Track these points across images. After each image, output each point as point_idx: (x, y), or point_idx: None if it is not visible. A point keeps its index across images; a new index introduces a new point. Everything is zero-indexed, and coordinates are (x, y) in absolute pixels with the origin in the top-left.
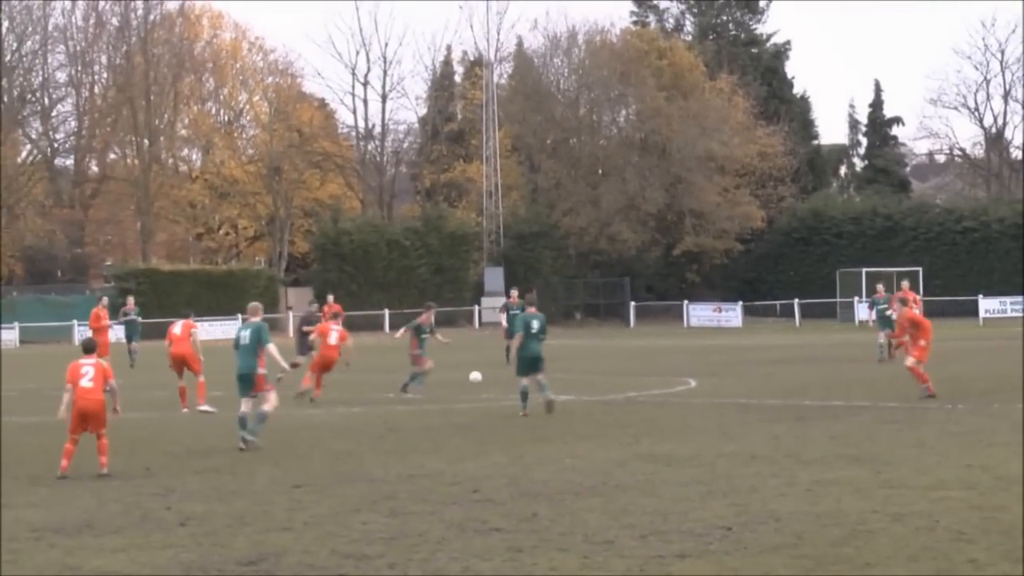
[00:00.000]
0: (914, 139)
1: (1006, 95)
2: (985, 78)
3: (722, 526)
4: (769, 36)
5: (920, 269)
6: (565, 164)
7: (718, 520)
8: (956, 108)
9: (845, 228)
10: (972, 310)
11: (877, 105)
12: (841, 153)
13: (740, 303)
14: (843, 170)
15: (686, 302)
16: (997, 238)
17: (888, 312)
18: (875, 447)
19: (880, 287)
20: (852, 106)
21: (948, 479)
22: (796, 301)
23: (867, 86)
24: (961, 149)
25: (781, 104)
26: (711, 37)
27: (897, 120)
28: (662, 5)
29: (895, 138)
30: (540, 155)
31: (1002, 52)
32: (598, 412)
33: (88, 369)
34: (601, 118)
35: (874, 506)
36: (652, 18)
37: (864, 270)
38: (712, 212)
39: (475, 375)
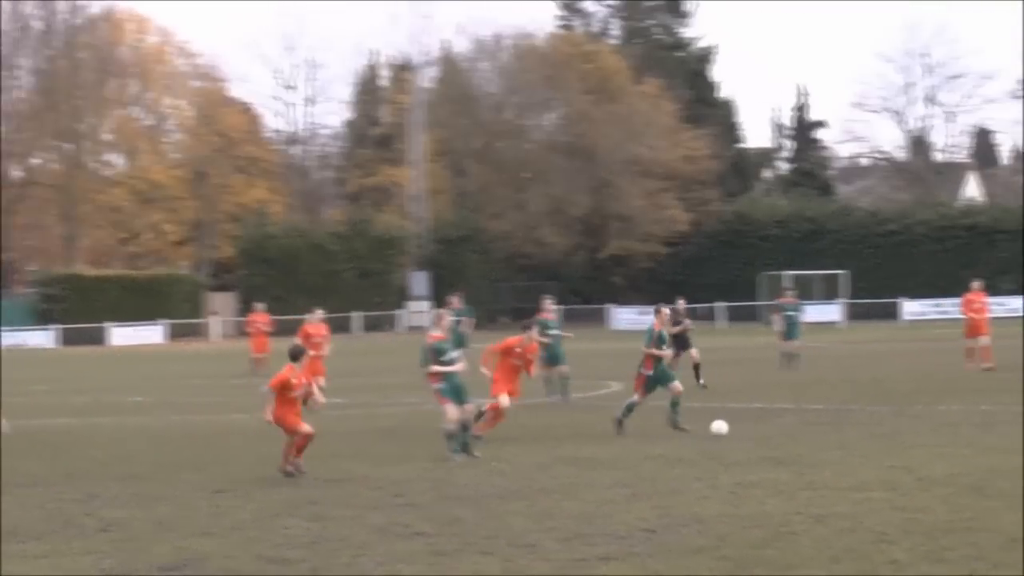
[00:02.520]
0: (838, 142)
1: (929, 99)
2: (909, 82)
3: (645, 528)
4: (695, 40)
5: (843, 272)
6: (491, 168)
7: (641, 523)
8: (880, 112)
9: (770, 231)
10: (895, 312)
11: (801, 109)
12: (766, 156)
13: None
14: (768, 173)
15: (611, 306)
16: (920, 241)
17: (794, 317)
18: (798, 449)
19: (789, 293)
20: (777, 110)
21: (870, 480)
22: (720, 304)
23: (791, 90)
24: (884, 152)
25: (707, 108)
26: (637, 41)
27: (821, 124)
28: (588, 9)
29: (819, 141)
30: (466, 159)
31: (926, 56)
32: (522, 416)
33: None
34: (527, 122)
35: (797, 508)
36: (578, 22)
37: (789, 273)
38: (638, 216)
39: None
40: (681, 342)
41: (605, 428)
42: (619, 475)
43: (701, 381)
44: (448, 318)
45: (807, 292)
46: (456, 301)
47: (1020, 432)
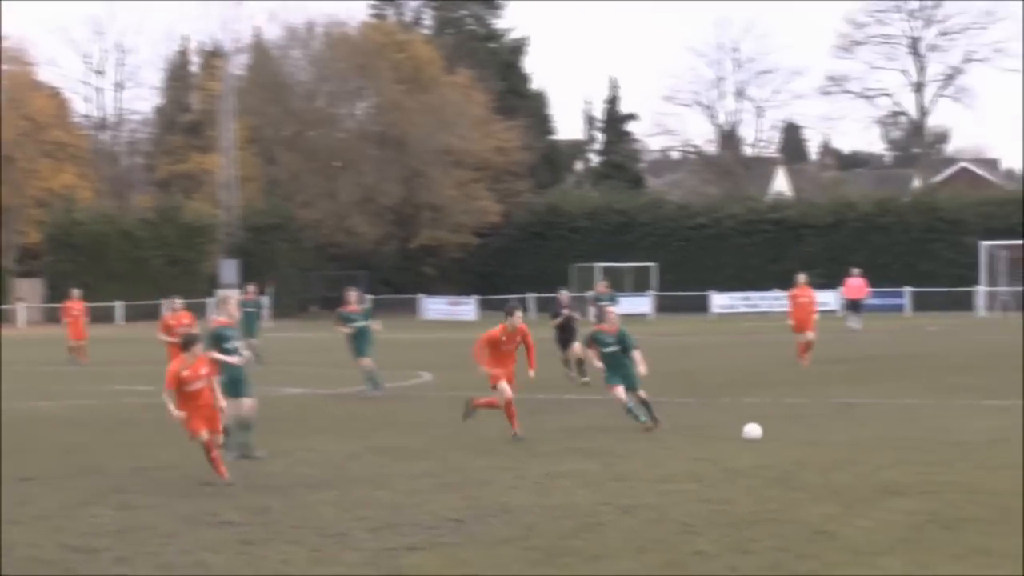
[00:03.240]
0: (649, 135)
1: (739, 94)
2: (720, 76)
3: (454, 518)
4: (507, 31)
5: (652, 264)
6: (302, 156)
7: (450, 513)
8: (690, 106)
9: (580, 223)
10: (703, 305)
11: (613, 101)
12: (577, 148)
13: (475, 297)
14: (579, 165)
15: (422, 296)
16: (729, 234)
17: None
18: (607, 441)
19: (603, 283)
20: (588, 102)
21: (677, 472)
22: (531, 295)
23: (604, 83)
24: (695, 146)
25: (519, 99)
26: (449, 31)
27: (632, 116)
28: None
29: (630, 134)
30: (277, 147)
31: (736, 51)
32: (331, 405)
33: None
34: (339, 111)
35: (604, 498)
36: (391, 11)
37: (600, 265)
38: (449, 206)
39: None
40: (567, 334)
41: (416, 418)
42: (428, 465)
43: (585, 378)
44: (235, 304)
45: (618, 284)
46: (252, 291)
47: (826, 425)
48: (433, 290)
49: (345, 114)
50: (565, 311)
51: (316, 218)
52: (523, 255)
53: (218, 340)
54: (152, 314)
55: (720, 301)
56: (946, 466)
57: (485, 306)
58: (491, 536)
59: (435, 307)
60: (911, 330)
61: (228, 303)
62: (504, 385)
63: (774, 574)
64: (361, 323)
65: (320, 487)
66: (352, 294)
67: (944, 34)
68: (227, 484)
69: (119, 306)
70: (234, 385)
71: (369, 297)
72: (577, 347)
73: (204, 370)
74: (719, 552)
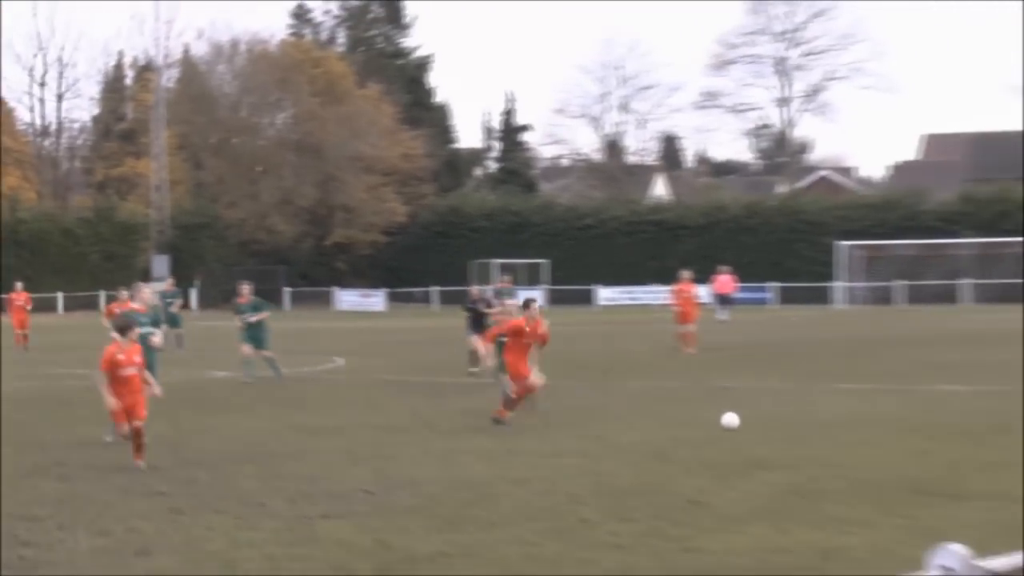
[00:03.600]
0: (541, 144)
1: (622, 107)
2: (605, 91)
3: (364, 489)
4: (413, 49)
5: (544, 261)
6: (227, 162)
7: (361, 484)
8: (579, 118)
9: (479, 223)
10: (590, 298)
11: (509, 114)
12: (476, 156)
13: (384, 290)
14: (478, 171)
15: (335, 288)
16: (613, 234)
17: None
18: (517, 420)
19: (506, 278)
20: (487, 114)
21: (566, 448)
22: (434, 288)
23: (501, 97)
24: (582, 154)
25: (423, 111)
26: (361, 49)
27: (526, 127)
28: (317, 19)
29: (524, 143)
30: (204, 153)
31: (620, 68)
32: (254, 387)
33: None
34: (260, 120)
35: (500, 472)
36: (308, 30)
37: (496, 261)
38: (360, 207)
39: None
40: (477, 325)
41: (330, 398)
42: (341, 441)
43: (475, 369)
44: (148, 291)
45: (515, 279)
46: (169, 284)
47: (700, 406)
48: (346, 283)
49: (266, 123)
50: (480, 303)
51: (239, 217)
52: (427, 252)
53: None
54: (90, 304)
55: (605, 294)
56: (806, 443)
57: (393, 298)
58: (398, 505)
59: (347, 299)
60: (775, 321)
61: (141, 291)
62: (537, 374)
63: (652, 539)
64: (249, 314)
65: (242, 461)
66: (245, 287)
67: (807, 55)
68: (140, 470)
69: (60, 297)
70: None
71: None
72: (475, 340)
73: (138, 357)
74: (602, 520)
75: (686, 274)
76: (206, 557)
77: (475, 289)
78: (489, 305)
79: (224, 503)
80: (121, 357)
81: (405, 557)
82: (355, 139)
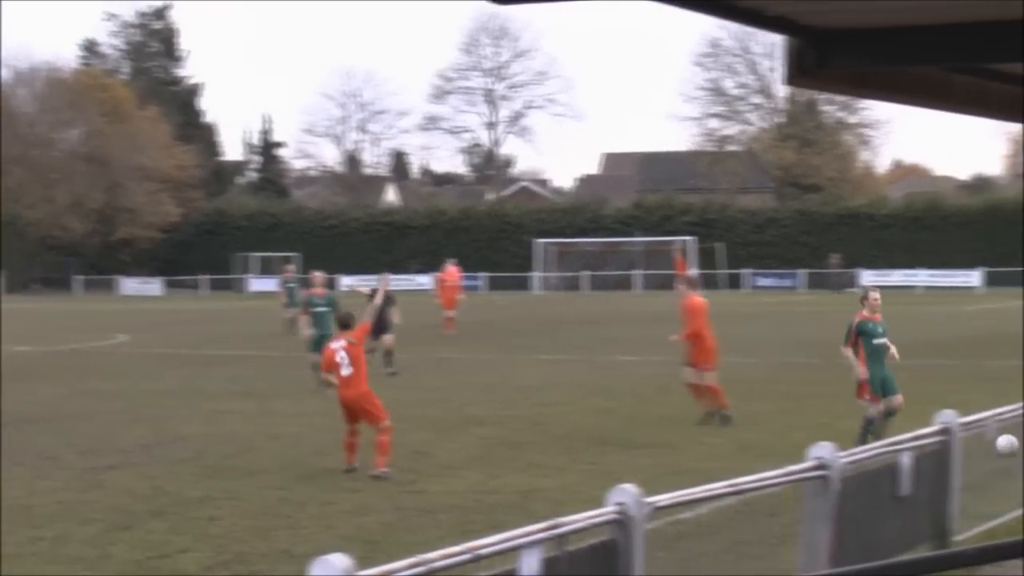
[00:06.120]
0: (293, 158)
1: (361, 127)
2: (345, 115)
3: (143, 444)
4: (186, 78)
5: (296, 254)
6: (27, 170)
7: (140, 440)
8: (324, 136)
9: (241, 223)
10: (333, 285)
11: (266, 132)
12: (239, 167)
13: (161, 278)
14: (240, 179)
15: (120, 276)
16: (353, 233)
17: (294, 288)
18: (261, 385)
19: (291, 267)
20: (248, 132)
21: (314, 409)
22: (204, 276)
23: (259, 117)
24: (328, 167)
25: (194, 129)
26: (142, 77)
27: (281, 144)
28: (104, 51)
29: (279, 157)
30: (8, 163)
31: (358, 96)
32: (50, 359)
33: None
34: (56, 135)
35: (258, 429)
36: (97, 61)
37: (255, 254)
38: (141, 209)
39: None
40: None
41: (114, 369)
42: (124, 404)
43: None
44: None
45: (271, 269)
46: None
47: (424, 373)
48: (129, 272)
49: (61, 138)
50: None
51: (38, 217)
52: (197, 246)
53: None
54: None
55: (346, 282)
56: (512, 403)
57: (168, 285)
58: (171, 457)
59: (130, 285)
60: (486, 304)
61: None
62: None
63: (384, 483)
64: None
65: (39, 421)
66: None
67: (511, 87)
68: None
69: None
70: None
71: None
72: (388, 338)
73: None
74: (341, 464)
75: (450, 265)
76: (4, 504)
77: (385, 281)
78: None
79: (23, 456)
80: None
81: (177, 501)
82: (136, 152)
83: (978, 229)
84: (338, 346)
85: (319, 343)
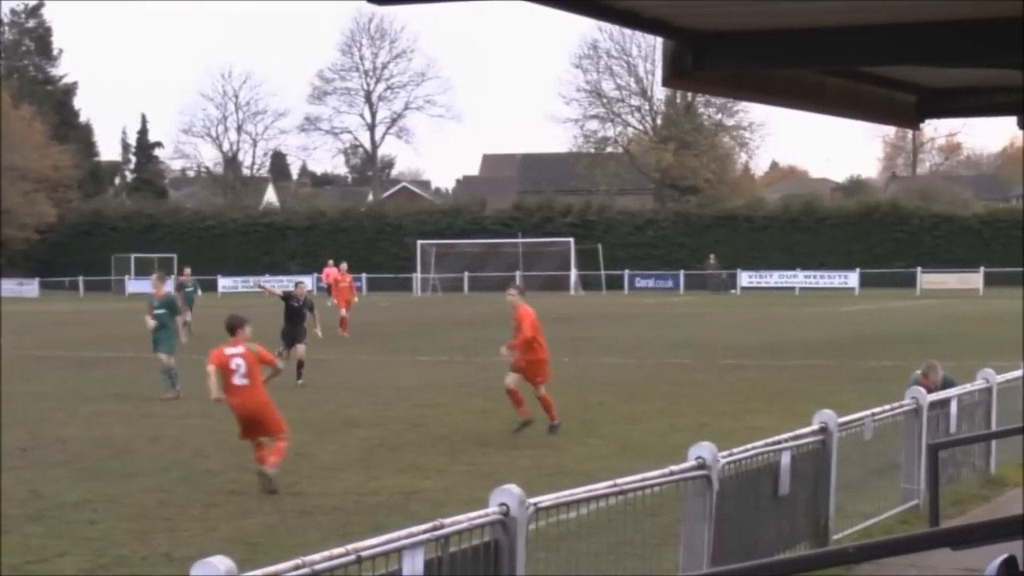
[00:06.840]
0: (171, 159)
1: (239, 128)
2: (224, 115)
3: (20, 448)
4: (61, 77)
5: (173, 255)
6: None
7: (17, 444)
8: (203, 137)
9: (118, 224)
10: (214, 286)
11: (144, 132)
12: (116, 167)
13: (37, 279)
14: (117, 180)
15: None
16: (232, 234)
17: (192, 291)
18: (138, 387)
19: (188, 270)
20: (125, 132)
21: (193, 411)
22: (80, 278)
23: (137, 118)
24: (206, 167)
25: (70, 129)
26: (15, 76)
27: (159, 144)
28: None
29: (157, 158)
30: None
31: (236, 96)
32: None
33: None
34: None
35: (136, 431)
36: None
37: (133, 255)
38: (16, 210)
39: None
40: (295, 332)
41: None
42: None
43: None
44: None
45: (146, 270)
46: None
47: (305, 375)
48: (4, 274)
49: None
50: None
51: None
52: (74, 248)
53: None
54: None
55: (225, 283)
56: (392, 405)
57: (44, 286)
58: (49, 461)
59: (5, 287)
60: (366, 306)
61: None
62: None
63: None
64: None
65: None
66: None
67: (390, 88)
68: None
69: None
70: None
71: None
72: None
73: None
74: (224, 470)
75: (344, 266)
76: None
77: (301, 288)
78: (311, 307)
79: None
80: None
81: (55, 504)
82: (11, 152)
83: (854, 231)
84: (234, 352)
85: (157, 344)
